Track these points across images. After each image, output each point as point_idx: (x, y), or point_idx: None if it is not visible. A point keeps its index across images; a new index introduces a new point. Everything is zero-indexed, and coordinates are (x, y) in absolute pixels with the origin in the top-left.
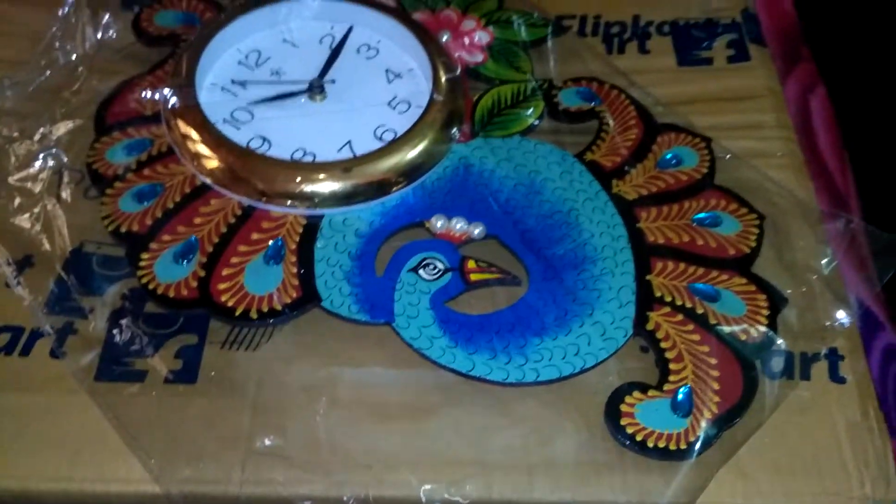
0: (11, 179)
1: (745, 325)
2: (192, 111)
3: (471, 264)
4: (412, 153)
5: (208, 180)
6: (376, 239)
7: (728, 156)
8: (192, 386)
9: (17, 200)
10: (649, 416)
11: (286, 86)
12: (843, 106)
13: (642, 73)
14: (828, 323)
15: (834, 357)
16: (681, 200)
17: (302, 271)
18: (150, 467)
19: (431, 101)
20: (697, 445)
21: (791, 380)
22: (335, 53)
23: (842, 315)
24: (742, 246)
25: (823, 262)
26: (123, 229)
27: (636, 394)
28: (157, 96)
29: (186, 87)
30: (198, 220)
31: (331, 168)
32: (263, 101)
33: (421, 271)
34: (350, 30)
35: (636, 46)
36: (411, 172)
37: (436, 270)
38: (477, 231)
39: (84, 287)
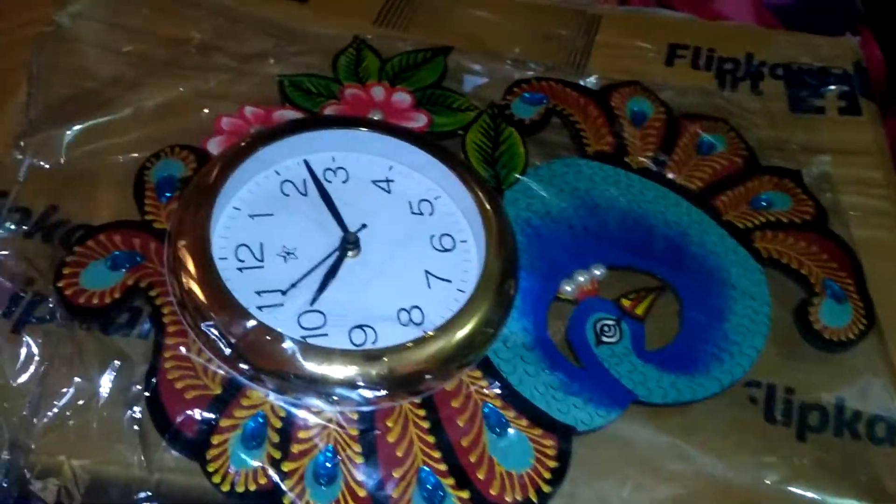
0: None
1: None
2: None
3: (626, 303)
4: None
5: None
6: (544, 340)
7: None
8: None
9: None
10: (831, 317)
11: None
12: None
13: (754, 113)
14: None
15: None
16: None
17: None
18: None
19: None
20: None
21: None
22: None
23: None
24: None
25: None
26: None
27: (813, 303)
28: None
29: None
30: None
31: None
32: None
33: (604, 339)
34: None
35: (749, 85)
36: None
37: (612, 329)
38: (598, 272)
39: None
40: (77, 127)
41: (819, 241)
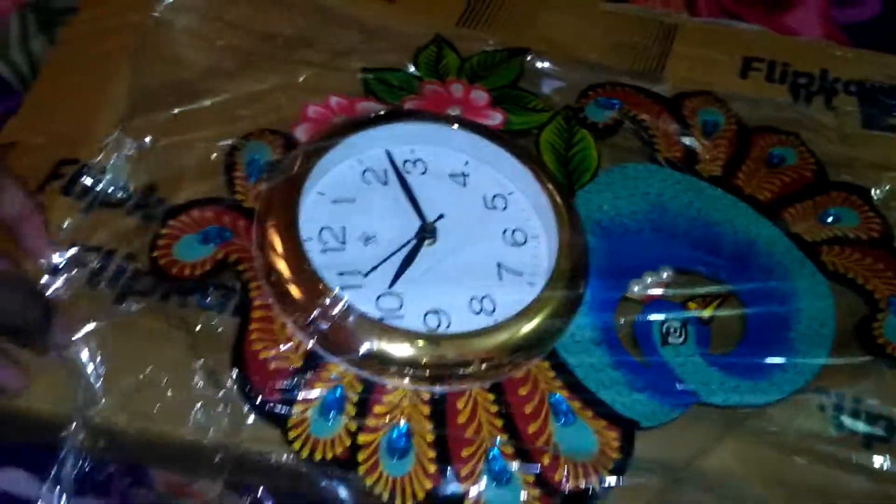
0: None
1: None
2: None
3: (692, 306)
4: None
5: None
6: (611, 337)
7: None
8: None
9: None
10: (894, 334)
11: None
12: None
13: (827, 128)
14: None
15: None
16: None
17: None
18: None
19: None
20: None
21: None
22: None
23: None
24: None
25: None
26: None
27: (877, 319)
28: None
29: None
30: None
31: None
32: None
33: (670, 339)
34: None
35: (823, 100)
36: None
37: (678, 330)
38: (666, 275)
39: None
40: (174, 112)
41: (885, 258)
